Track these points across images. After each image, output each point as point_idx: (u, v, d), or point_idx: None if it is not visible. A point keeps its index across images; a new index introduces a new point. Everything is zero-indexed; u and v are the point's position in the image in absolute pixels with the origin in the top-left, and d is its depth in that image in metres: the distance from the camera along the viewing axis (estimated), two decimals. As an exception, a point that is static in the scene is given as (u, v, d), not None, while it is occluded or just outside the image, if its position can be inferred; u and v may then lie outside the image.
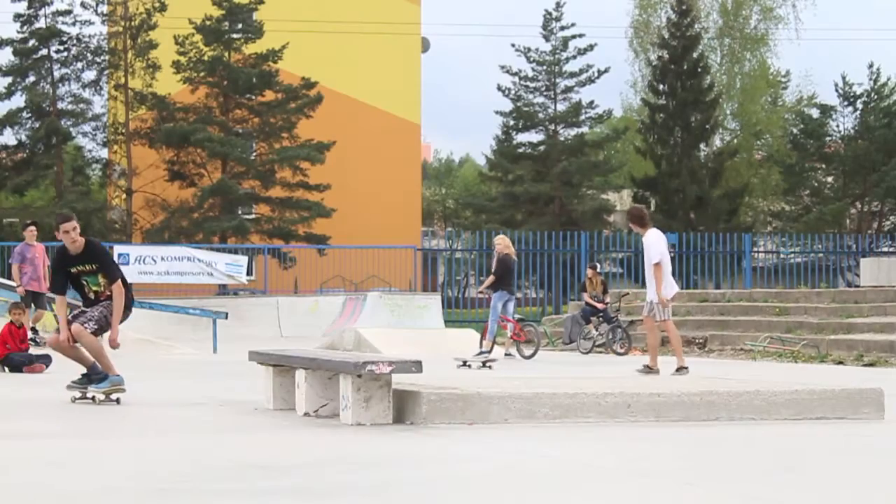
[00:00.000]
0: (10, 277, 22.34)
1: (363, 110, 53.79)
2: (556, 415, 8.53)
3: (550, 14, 52.98)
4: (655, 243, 14.99)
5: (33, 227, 20.86)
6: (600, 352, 23.13)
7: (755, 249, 39.25)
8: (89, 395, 10.83)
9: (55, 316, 21.46)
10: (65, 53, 47.60)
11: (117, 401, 10.61)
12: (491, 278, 20.79)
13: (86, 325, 10.96)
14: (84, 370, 11.12)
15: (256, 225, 46.20)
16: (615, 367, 17.34)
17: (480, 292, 21.69)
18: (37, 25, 47.16)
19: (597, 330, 23.54)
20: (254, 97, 47.66)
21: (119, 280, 10.94)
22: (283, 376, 9.88)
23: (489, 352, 20.43)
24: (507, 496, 5.70)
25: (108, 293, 11.09)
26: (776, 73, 60.39)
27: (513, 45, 53.74)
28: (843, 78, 55.02)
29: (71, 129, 48.24)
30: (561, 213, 50.61)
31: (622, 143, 58.36)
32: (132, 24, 46.86)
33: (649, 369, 15.27)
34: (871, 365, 18.34)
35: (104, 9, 47.49)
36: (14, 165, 48.11)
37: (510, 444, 7.56)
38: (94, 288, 11.09)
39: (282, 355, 10.01)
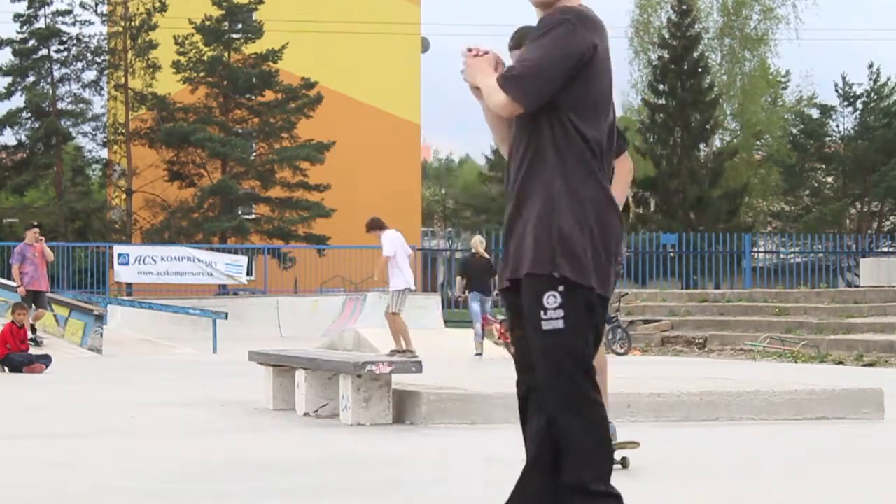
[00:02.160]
0: (10, 277, 22.35)
1: (363, 110, 53.77)
2: (556, 415, 8.52)
3: (550, 14, 52.92)
4: (387, 241, 17.24)
5: (37, 229, 20.88)
6: (600, 352, 23.09)
7: (755, 249, 39.24)
8: None
9: (55, 316, 21.56)
10: (65, 53, 47.58)
11: (622, 462, 6.44)
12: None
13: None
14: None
15: (256, 225, 46.19)
16: (615, 367, 17.32)
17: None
18: (37, 25, 47.13)
19: (597, 330, 23.49)
20: (254, 97, 47.64)
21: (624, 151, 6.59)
22: (283, 376, 9.87)
23: (479, 353, 20.57)
24: (507, 497, 5.69)
25: None
26: (776, 73, 60.37)
27: (513, 45, 53.65)
28: (843, 78, 55.05)
29: (71, 129, 48.21)
30: (561, 213, 50.53)
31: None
32: (132, 24, 46.83)
33: (400, 351, 16.73)
34: (871, 365, 18.35)
35: (104, 9, 47.46)
36: (14, 165, 48.09)
37: (510, 444, 7.56)
38: None
39: (282, 355, 10.01)
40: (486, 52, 4.23)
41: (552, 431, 4.15)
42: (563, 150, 4.09)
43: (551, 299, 4.04)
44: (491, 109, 4.18)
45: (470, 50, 4.24)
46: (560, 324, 4.03)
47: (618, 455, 6.22)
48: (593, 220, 4.08)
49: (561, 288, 4.03)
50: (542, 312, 4.05)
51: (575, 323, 4.05)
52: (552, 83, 4.06)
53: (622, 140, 6.42)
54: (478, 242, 21.39)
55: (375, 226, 17.72)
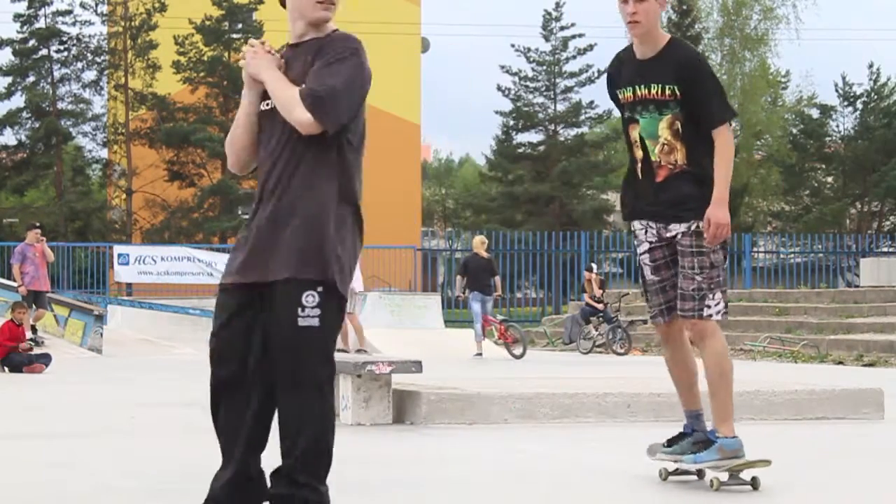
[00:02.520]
0: (10, 277, 22.35)
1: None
2: (556, 415, 8.53)
3: (550, 14, 52.97)
4: None
5: (38, 230, 20.88)
6: (600, 352, 23.13)
7: (755, 249, 39.23)
8: (689, 467, 5.98)
9: (55, 316, 21.54)
10: (65, 53, 47.58)
11: (752, 482, 5.80)
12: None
13: (698, 307, 6.11)
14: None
15: (256, 225, 46.19)
16: (615, 367, 17.34)
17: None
18: (37, 25, 47.13)
19: (597, 330, 23.55)
20: (254, 97, 47.63)
21: (726, 123, 5.70)
22: (283, 376, 9.85)
23: (479, 353, 20.61)
24: (507, 497, 5.70)
25: (673, 166, 5.74)
26: (776, 73, 60.35)
27: (513, 46, 53.73)
28: (843, 78, 55.06)
29: (71, 129, 48.21)
30: (561, 213, 50.58)
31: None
32: (132, 24, 46.83)
33: (364, 350, 17.10)
34: (871, 365, 18.35)
35: (104, 9, 47.46)
36: (14, 165, 48.09)
37: (510, 444, 7.56)
38: (648, 142, 5.82)
39: (282, 355, 9.98)
40: (275, 53, 4.49)
41: (265, 421, 4.51)
42: (333, 166, 4.41)
43: (310, 298, 4.36)
44: (289, 119, 4.36)
45: (263, 43, 4.50)
46: (316, 321, 4.38)
47: (747, 475, 5.80)
48: (347, 233, 4.44)
49: (320, 289, 4.37)
50: (299, 310, 4.36)
51: (329, 322, 4.42)
52: (352, 110, 4.41)
53: (727, 108, 5.71)
54: (479, 243, 21.45)
55: None
